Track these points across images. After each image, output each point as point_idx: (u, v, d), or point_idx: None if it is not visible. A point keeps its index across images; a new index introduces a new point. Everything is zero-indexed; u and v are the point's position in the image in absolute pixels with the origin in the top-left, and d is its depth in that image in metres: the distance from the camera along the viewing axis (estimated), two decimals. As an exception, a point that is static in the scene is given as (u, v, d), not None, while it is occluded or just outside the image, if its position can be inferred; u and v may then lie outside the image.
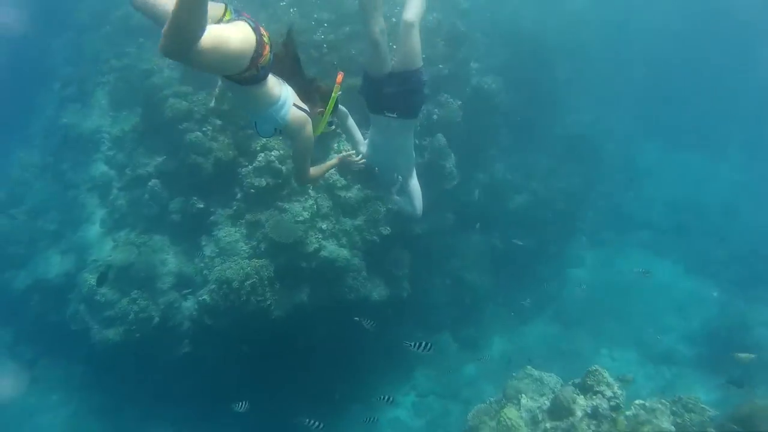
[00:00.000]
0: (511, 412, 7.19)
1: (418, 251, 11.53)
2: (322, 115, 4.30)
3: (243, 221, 9.54)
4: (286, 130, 4.04)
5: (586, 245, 17.32)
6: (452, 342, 13.80)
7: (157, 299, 9.86)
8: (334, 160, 5.01)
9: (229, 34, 3.10)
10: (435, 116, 11.63)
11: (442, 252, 13.04)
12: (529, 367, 8.38)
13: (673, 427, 6.69)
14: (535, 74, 16.26)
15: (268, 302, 9.00)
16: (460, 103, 12.10)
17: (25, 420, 11.47)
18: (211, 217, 9.80)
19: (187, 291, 10.00)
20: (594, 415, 6.71)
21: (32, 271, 11.93)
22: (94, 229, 11.34)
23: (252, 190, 9.36)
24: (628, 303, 15.43)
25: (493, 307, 14.72)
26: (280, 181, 9.43)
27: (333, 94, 4.22)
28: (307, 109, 4.12)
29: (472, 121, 12.64)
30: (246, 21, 3.35)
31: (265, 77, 3.60)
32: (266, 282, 8.92)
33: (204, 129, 10.07)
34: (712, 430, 6.77)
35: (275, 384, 10.64)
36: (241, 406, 7.91)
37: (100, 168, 11.89)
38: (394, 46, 5.18)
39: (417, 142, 11.18)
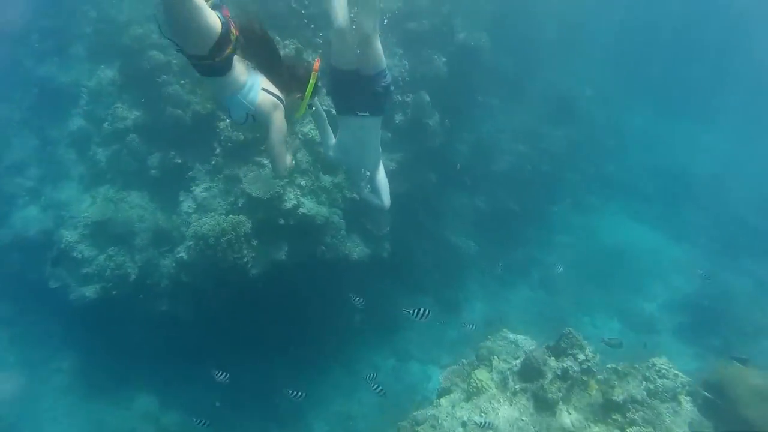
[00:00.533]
0: (481, 374, 7.17)
1: (400, 211, 11.38)
2: (302, 100, 4.38)
3: (221, 176, 9.40)
4: (257, 115, 4.15)
5: (571, 210, 17.26)
6: (434, 305, 13.78)
7: (134, 256, 9.79)
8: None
9: (207, 9, 3.52)
10: (418, 73, 11.40)
11: (425, 212, 12.93)
12: (504, 330, 8.31)
13: (644, 391, 6.70)
14: (524, 33, 15.99)
15: (245, 259, 8.91)
16: (444, 59, 11.88)
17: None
18: (190, 173, 9.67)
19: (165, 248, 9.89)
20: (564, 377, 6.67)
21: (11, 229, 11.72)
22: (73, 186, 11.21)
23: (230, 144, 9.21)
24: (612, 270, 15.44)
25: (476, 270, 14.71)
26: (258, 135, 9.25)
27: (311, 81, 4.29)
28: (278, 94, 4.20)
29: (457, 78, 12.43)
30: (219, 15, 3.65)
31: (223, 71, 3.83)
32: (243, 238, 8.81)
33: (182, 82, 9.88)
34: (684, 395, 6.78)
35: (254, 343, 10.64)
36: (221, 376, 7.79)
37: (78, 122, 11.69)
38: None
39: (399, 98, 11.03)
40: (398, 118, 11.04)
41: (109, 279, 9.64)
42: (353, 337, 12.20)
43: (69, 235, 9.95)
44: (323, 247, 9.81)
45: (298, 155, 9.45)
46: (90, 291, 9.80)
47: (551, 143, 15.97)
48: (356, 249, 10.48)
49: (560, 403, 6.54)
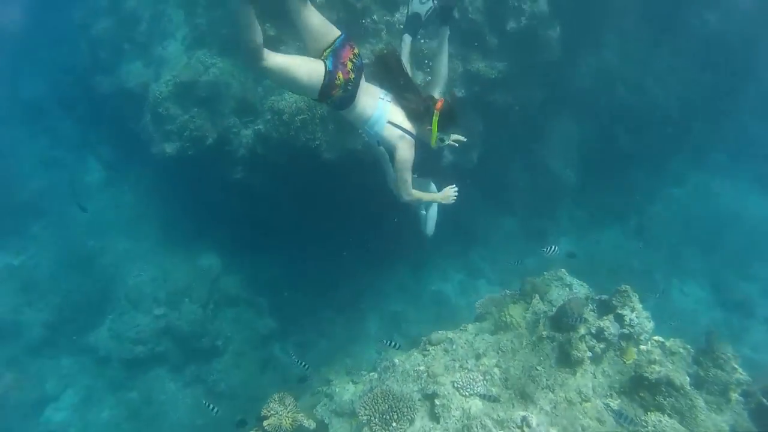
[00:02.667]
0: (515, 310, 6.57)
1: (495, 123, 10.64)
2: (431, 133, 4.69)
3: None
4: (383, 144, 4.69)
5: (692, 164, 15.57)
6: (518, 229, 13.15)
7: (215, 121, 9.79)
8: (439, 194, 5.37)
9: (296, 64, 4.17)
10: (542, -21, 10.24)
11: (525, 130, 11.99)
12: (563, 270, 7.49)
13: (687, 377, 5.80)
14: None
15: (318, 142, 8.71)
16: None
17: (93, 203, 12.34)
18: (282, 46, 9.38)
19: (248, 119, 9.85)
20: (598, 336, 5.95)
21: (117, 79, 12.18)
22: (176, 45, 11.23)
23: (323, 23, 8.78)
24: (721, 238, 13.97)
25: (570, 203, 13.81)
26: (352, 17, 8.76)
27: (434, 118, 4.60)
28: (405, 128, 4.61)
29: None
30: (325, 62, 4.19)
31: (342, 107, 4.45)
32: (318, 121, 8.57)
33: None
34: (736, 393, 5.85)
35: (324, 228, 10.62)
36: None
37: (189, -17, 11.63)
38: None
39: (516, 4, 10.04)
40: (510, 24, 10.03)
41: (187, 139, 9.78)
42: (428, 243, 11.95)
43: (158, 92, 10.09)
44: (403, 144, 9.38)
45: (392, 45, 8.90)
46: (170, 147, 10.06)
47: (689, 87, 14.08)
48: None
49: (586, 363, 5.87)
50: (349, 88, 4.29)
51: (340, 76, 4.21)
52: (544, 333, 6.09)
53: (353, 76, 4.30)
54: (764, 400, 5.73)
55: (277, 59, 4.09)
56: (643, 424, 5.32)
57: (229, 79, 9.93)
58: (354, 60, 4.32)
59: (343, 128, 9.08)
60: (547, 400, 5.52)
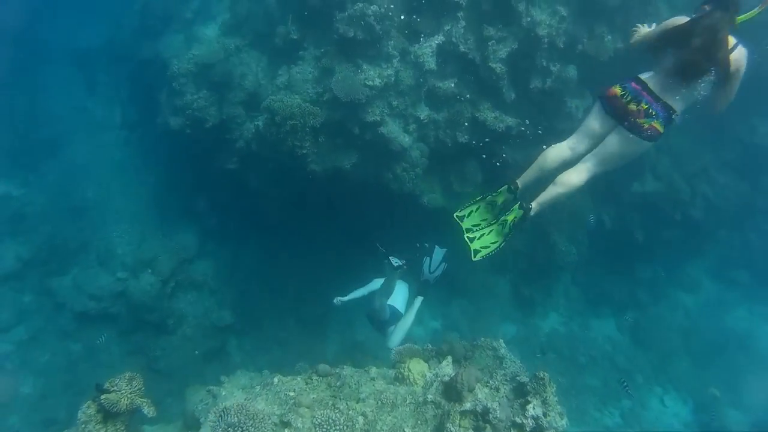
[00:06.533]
0: (417, 366, 6.20)
1: (498, 179, 10.40)
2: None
3: (321, 64, 9.09)
4: None
5: (708, 273, 14.89)
6: (508, 292, 12.76)
7: (222, 107, 9.93)
8: None
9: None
10: (578, 46, 9.97)
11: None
12: (500, 340, 6.86)
13: None
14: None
15: (305, 151, 8.72)
16: (620, 46, 10.33)
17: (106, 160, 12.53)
18: (300, 52, 9.49)
19: (255, 113, 9.96)
20: (484, 417, 5.37)
21: (157, 47, 12.44)
22: (215, 28, 11.49)
23: (335, 37, 8.79)
24: (722, 359, 13.22)
25: (568, 281, 13.36)
26: (369, 38, 8.76)
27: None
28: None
29: (626, 64, 10.78)
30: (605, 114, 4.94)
31: (671, 119, 4.83)
32: (308, 130, 8.58)
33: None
34: None
35: (305, 239, 10.60)
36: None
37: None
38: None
39: (544, 63, 9.79)
40: (534, 83, 9.77)
41: (188, 117, 9.97)
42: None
43: (177, 66, 10.31)
44: (391, 176, 9.29)
45: (401, 75, 8.88)
46: (174, 122, 10.31)
47: (717, 191, 13.50)
48: (430, 195, 9.80)
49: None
50: (638, 98, 4.67)
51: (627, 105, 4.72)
52: (430, 397, 5.73)
53: (629, 97, 4.70)
54: None
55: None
56: None
57: (246, 71, 10.08)
58: (621, 88, 4.77)
59: (335, 145, 9.07)
60: (399, 467, 5.05)
